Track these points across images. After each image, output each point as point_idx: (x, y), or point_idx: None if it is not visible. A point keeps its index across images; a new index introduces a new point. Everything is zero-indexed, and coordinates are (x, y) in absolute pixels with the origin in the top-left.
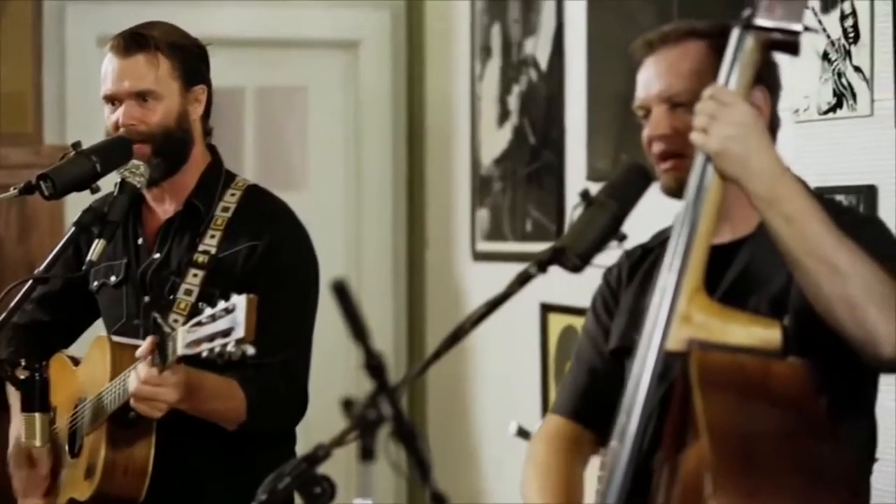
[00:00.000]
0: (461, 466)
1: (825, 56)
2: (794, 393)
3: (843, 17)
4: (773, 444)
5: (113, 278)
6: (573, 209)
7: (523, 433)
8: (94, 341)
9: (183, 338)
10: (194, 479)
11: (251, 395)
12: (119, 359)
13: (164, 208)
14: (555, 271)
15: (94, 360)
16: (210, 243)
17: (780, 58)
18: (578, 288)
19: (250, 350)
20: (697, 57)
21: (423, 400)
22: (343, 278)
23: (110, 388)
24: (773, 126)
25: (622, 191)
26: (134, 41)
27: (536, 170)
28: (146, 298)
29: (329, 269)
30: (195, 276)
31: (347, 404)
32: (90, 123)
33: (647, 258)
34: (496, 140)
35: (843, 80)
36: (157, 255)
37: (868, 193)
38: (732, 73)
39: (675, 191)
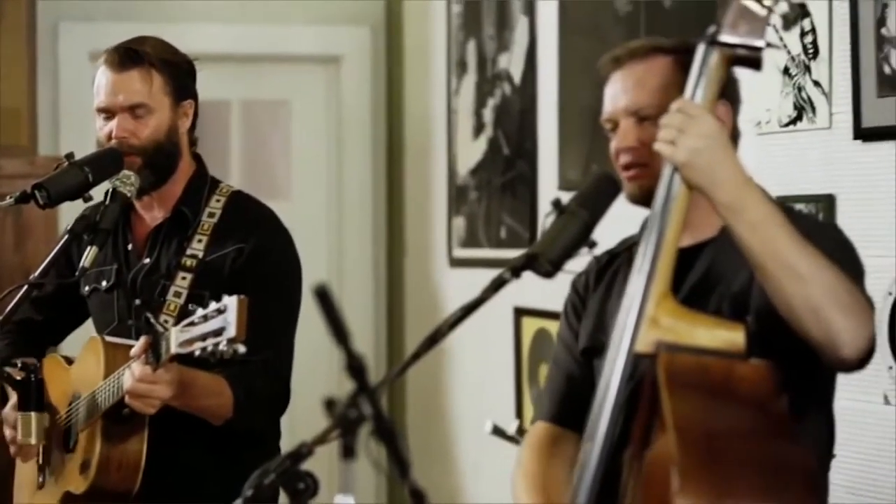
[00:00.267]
0: (439, 463)
1: (786, 71)
2: (757, 393)
3: (803, 34)
4: (736, 441)
5: (104, 283)
6: (545, 217)
7: (498, 431)
8: (87, 341)
9: (176, 337)
10: (185, 473)
11: (238, 391)
12: (112, 358)
13: (152, 215)
14: (528, 277)
15: (87, 359)
16: (197, 247)
17: (743, 72)
18: (551, 292)
19: (241, 349)
20: (662, 72)
21: (402, 400)
22: (325, 283)
23: (105, 386)
24: (734, 137)
25: (592, 200)
26: (129, 57)
27: (510, 180)
28: (137, 302)
29: (312, 275)
30: (184, 278)
31: (330, 404)
32: (82, 135)
33: (613, 263)
34: (472, 151)
35: (803, 94)
36: (147, 260)
37: (827, 202)
38: (698, 88)
39: (640, 198)
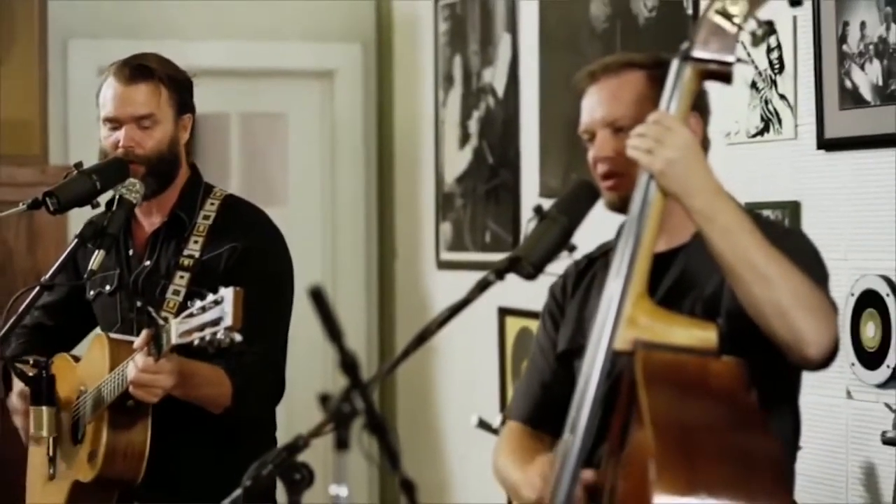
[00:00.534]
0: (428, 455)
1: (754, 85)
2: (729, 388)
3: (769, 51)
4: (709, 434)
5: (107, 287)
6: (528, 223)
7: (484, 425)
8: (93, 339)
9: (176, 328)
10: (186, 461)
11: (236, 381)
12: (116, 353)
13: (150, 220)
14: (511, 279)
15: (93, 355)
16: (194, 248)
17: (713, 86)
18: (533, 293)
19: (238, 337)
20: (636, 86)
21: (392, 395)
22: (320, 285)
23: (110, 379)
24: (704, 147)
25: (571, 206)
26: (139, 71)
27: (494, 187)
28: (139, 303)
29: (307, 277)
30: (182, 277)
31: (324, 399)
32: (91, 146)
33: (591, 267)
34: (458, 160)
35: (770, 107)
36: (147, 263)
37: (792, 208)
38: (672, 100)
39: (616, 205)
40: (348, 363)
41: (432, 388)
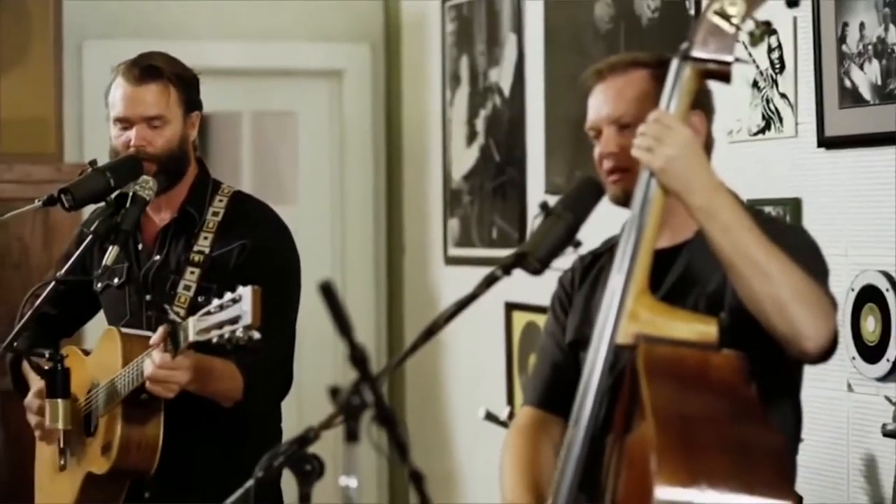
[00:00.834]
0: (436, 447)
1: (755, 84)
2: (729, 381)
3: (770, 50)
4: (710, 426)
5: (116, 280)
6: (534, 219)
7: (491, 417)
8: (104, 333)
9: (194, 326)
10: (195, 452)
11: (247, 375)
12: (129, 348)
13: (160, 216)
14: (518, 274)
15: (105, 349)
16: (204, 244)
17: (715, 85)
18: (539, 288)
19: (256, 335)
20: (640, 84)
21: (401, 388)
22: (330, 280)
23: (124, 374)
24: (708, 145)
25: (577, 203)
26: (148, 72)
27: (501, 184)
28: (148, 297)
29: (316, 273)
30: (192, 273)
31: (334, 392)
32: (105, 144)
33: (597, 262)
34: (465, 158)
35: (771, 106)
36: (157, 258)
37: (794, 205)
38: (672, 99)
39: (622, 199)
40: (358, 357)
41: (440, 382)
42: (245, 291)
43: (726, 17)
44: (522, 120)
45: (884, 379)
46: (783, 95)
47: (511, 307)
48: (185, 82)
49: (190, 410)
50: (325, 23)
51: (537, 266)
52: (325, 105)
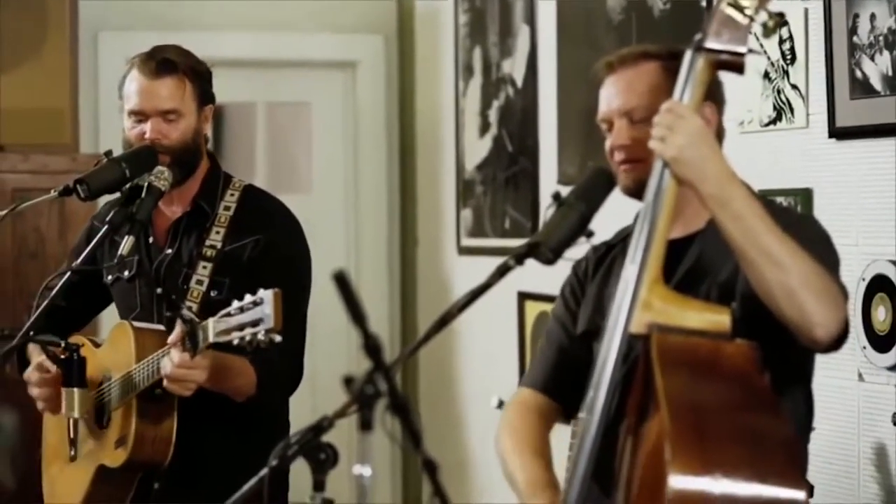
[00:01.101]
0: (449, 436)
1: (766, 75)
2: (742, 370)
3: (781, 41)
4: (723, 415)
5: (126, 273)
6: (546, 209)
7: (504, 406)
8: (115, 326)
9: (214, 327)
10: (205, 444)
11: (260, 371)
12: (142, 342)
13: (172, 209)
14: (531, 264)
15: (117, 343)
16: (216, 239)
17: (727, 76)
18: (552, 278)
19: (278, 338)
20: (651, 76)
21: (414, 377)
22: (343, 270)
23: (140, 368)
24: (719, 136)
25: (589, 193)
26: (164, 65)
27: (513, 174)
28: (159, 290)
29: (330, 263)
30: (205, 267)
31: (348, 381)
32: (120, 135)
33: (610, 253)
34: (478, 148)
35: (782, 96)
36: (169, 251)
37: (804, 196)
38: (686, 90)
39: (633, 190)
40: (372, 346)
41: (453, 371)
42: (266, 294)
43: (740, 8)
44: (535, 111)
45: (894, 368)
46: (794, 86)
47: (524, 297)
48: (199, 76)
49: (200, 403)
50: (339, 14)
51: (550, 256)
52: (339, 96)
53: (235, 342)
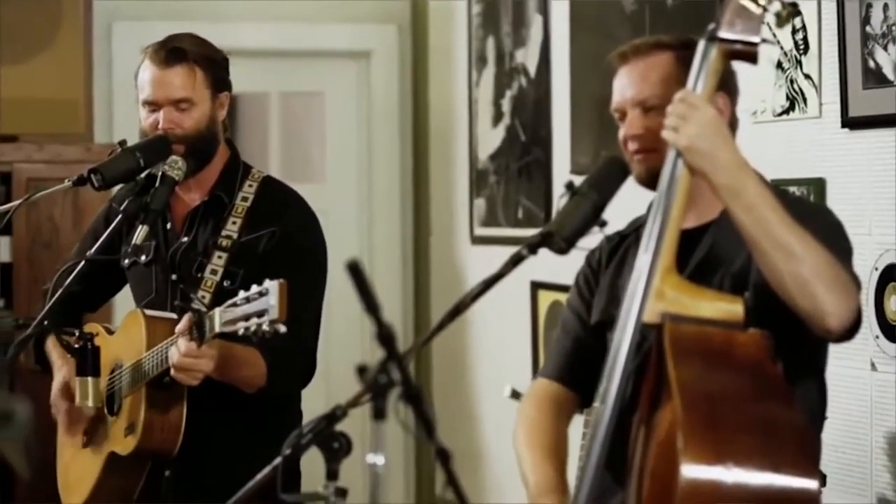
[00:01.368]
0: (462, 425)
1: (779, 65)
2: (754, 360)
3: (794, 31)
4: (735, 404)
5: (143, 258)
6: (559, 198)
7: (516, 395)
8: (128, 314)
9: (220, 317)
10: (216, 434)
11: (270, 362)
12: (153, 330)
13: (190, 197)
14: (544, 253)
15: (129, 331)
16: (232, 229)
17: (740, 66)
18: (565, 268)
19: (282, 329)
20: (664, 66)
21: (427, 366)
22: (357, 260)
23: (150, 356)
24: (732, 126)
25: (602, 182)
26: (174, 54)
27: (526, 164)
28: (174, 277)
29: (344, 253)
30: (220, 257)
31: (361, 370)
32: (134, 124)
33: (623, 243)
34: (491, 138)
35: (795, 86)
36: (185, 239)
37: (817, 185)
38: (699, 80)
39: (646, 179)
40: (385, 335)
41: (466, 360)
42: (272, 285)
43: None
44: (548, 100)
45: None
46: (807, 76)
47: (537, 286)
48: (212, 63)
49: (211, 393)
50: (352, 4)
51: (563, 245)
52: (353, 86)
53: (241, 332)
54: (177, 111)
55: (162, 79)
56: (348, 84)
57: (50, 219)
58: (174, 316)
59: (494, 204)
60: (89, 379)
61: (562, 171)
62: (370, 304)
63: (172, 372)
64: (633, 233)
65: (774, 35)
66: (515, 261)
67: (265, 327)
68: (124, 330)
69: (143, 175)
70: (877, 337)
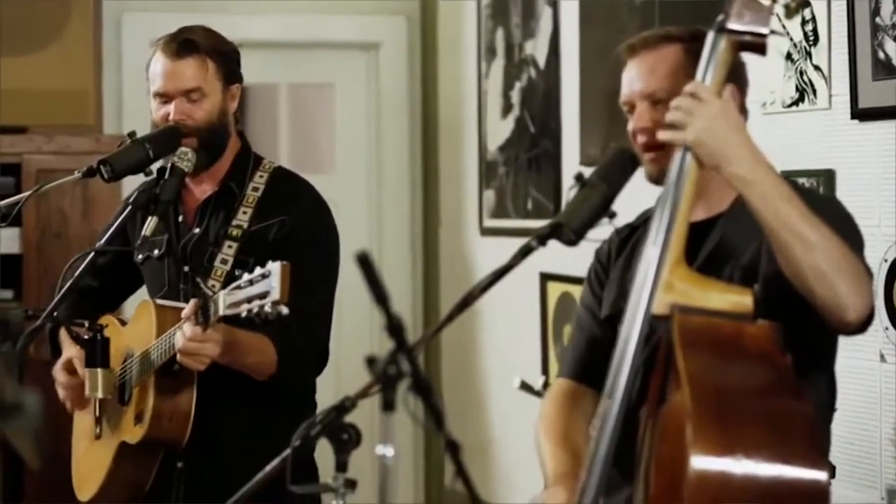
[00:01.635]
0: (471, 416)
1: (789, 56)
2: (764, 351)
3: (804, 22)
4: (745, 395)
5: (156, 251)
6: (569, 190)
7: (526, 387)
8: (139, 304)
9: (224, 300)
10: (228, 424)
11: (280, 349)
12: (163, 319)
13: (201, 188)
14: (553, 245)
15: (140, 320)
16: (243, 219)
17: (750, 57)
18: (574, 259)
19: (284, 310)
20: (673, 59)
21: (437, 358)
22: (366, 251)
23: (157, 344)
24: (742, 116)
25: (611, 174)
26: (185, 46)
27: (536, 156)
28: (186, 268)
29: (353, 244)
30: (230, 247)
31: (371, 361)
32: (144, 116)
33: (633, 235)
34: (500, 130)
35: (805, 78)
36: (196, 230)
37: (827, 177)
38: (708, 72)
39: (657, 179)
40: (394, 326)
41: (476, 352)
42: (274, 267)
43: None
44: (557, 92)
45: None
46: (817, 67)
47: (546, 277)
48: (223, 55)
49: (223, 382)
50: None
51: (572, 237)
52: (362, 77)
53: (244, 314)
54: (188, 102)
55: (173, 70)
56: (358, 75)
57: (59, 210)
58: (184, 305)
59: (504, 195)
60: (99, 370)
61: (571, 163)
62: (379, 295)
63: (179, 357)
64: (642, 224)
65: (784, 26)
66: (525, 252)
67: (267, 308)
68: (135, 320)
69: (156, 167)
70: (886, 328)
